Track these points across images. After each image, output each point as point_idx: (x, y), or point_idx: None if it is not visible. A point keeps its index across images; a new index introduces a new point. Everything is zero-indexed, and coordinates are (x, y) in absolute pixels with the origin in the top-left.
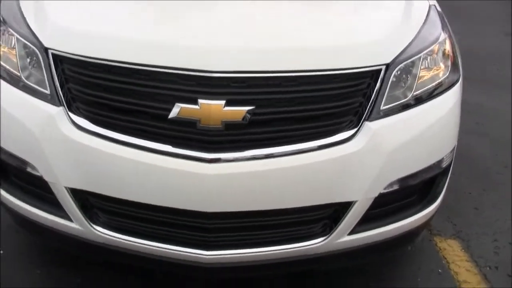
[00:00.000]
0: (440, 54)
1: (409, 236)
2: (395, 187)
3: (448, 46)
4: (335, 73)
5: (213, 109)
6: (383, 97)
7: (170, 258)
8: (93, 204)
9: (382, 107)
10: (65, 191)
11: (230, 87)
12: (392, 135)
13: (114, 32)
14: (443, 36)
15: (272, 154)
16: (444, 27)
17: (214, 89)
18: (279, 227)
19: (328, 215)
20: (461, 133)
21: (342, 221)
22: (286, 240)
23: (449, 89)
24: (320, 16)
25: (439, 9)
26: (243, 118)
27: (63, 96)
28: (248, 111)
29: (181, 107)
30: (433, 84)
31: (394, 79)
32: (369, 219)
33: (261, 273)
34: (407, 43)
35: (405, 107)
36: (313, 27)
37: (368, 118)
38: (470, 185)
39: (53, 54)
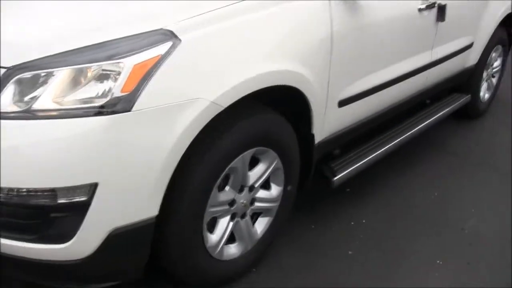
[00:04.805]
0: (98, 76)
1: (36, 269)
2: None
3: (139, 72)
4: None
5: None
6: None
7: None
8: None
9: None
10: None
11: None
12: None
13: None
14: (129, 59)
15: None
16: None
17: None
18: None
19: None
20: None
21: None
22: None
23: (94, 116)
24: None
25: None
26: None
27: None
28: None
29: None
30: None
31: (20, 86)
32: None
33: None
34: (46, 54)
35: (18, 116)
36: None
37: None
38: None
39: None
